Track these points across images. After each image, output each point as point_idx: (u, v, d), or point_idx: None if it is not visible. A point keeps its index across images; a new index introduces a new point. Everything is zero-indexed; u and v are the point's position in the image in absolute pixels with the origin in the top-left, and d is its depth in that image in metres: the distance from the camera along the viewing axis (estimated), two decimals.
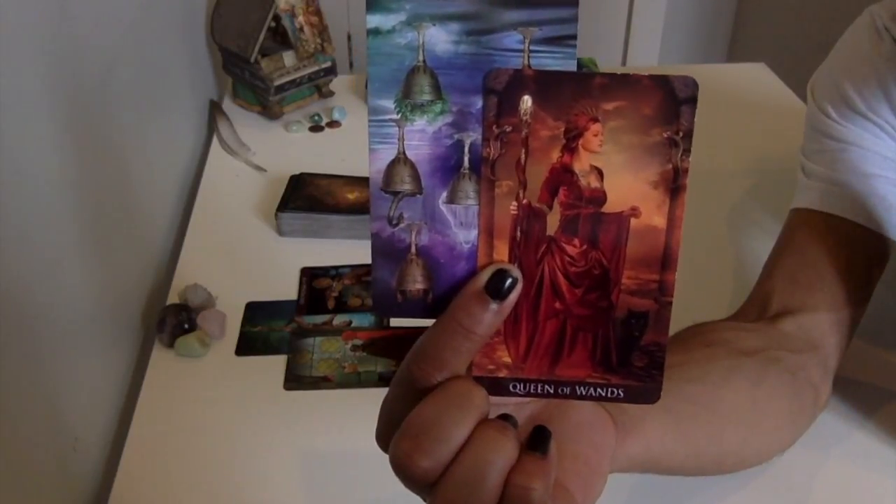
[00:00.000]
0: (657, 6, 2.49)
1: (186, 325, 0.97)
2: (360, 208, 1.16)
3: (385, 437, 0.42)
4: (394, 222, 0.40)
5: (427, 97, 0.38)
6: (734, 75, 1.68)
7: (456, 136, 0.39)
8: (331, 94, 1.54)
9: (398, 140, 0.39)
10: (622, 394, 0.43)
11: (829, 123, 0.84)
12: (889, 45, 0.80)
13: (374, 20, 0.38)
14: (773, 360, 0.73)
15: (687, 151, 0.38)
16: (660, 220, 0.39)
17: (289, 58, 1.45)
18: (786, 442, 0.75)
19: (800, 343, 0.76)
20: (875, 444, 0.84)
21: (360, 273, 1.08)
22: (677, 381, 0.65)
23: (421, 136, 0.39)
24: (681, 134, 0.38)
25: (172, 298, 1.03)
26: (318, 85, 1.52)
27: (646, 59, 2.52)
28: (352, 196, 1.19)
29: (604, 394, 0.43)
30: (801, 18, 2.31)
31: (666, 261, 0.40)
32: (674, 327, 0.72)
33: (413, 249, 0.41)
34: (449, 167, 0.39)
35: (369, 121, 0.39)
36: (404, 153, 0.39)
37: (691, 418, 0.64)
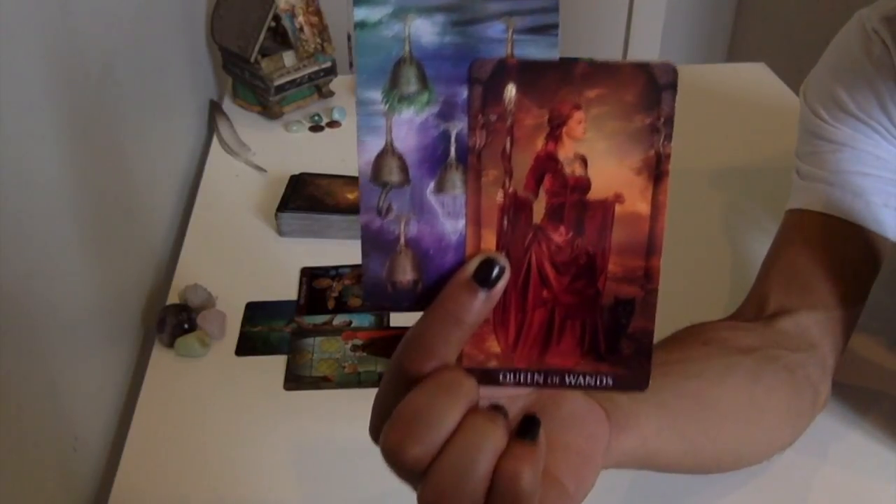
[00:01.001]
0: (657, 6, 2.49)
1: (186, 325, 0.97)
2: None
3: (378, 430, 0.43)
4: (383, 213, 0.40)
5: (414, 88, 0.39)
6: (734, 75, 1.68)
7: (442, 126, 0.39)
8: (331, 94, 1.54)
9: (386, 131, 0.39)
10: (611, 381, 0.43)
11: (821, 125, 0.85)
12: (879, 48, 0.81)
13: (361, 13, 0.38)
14: (771, 359, 0.73)
15: (669, 137, 0.39)
16: (644, 207, 0.40)
17: (289, 58, 1.45)
18: (785, 440, 0.75)
19: (798, 342, 0.76)
20: (874, 444, 0.84)
21: (360, 273, 1.08)
22: (674, 377, 0.65)
23: (408, 126, 0.39)
24: (662, 120, 0.38)
25: (172, 298, 1.03)
26: (318, 85, 1.52)
27: (645, 59, 2.52)
28: (352, 196, 1.19)
29: (593, 382, 0.43)
30: (801, 18, 2.30)
31: (651, 247, 0.40)
32: (672, 327, 0.73)
33: (402, 240, 0.41)
34: (436, 157, 0.40)
35: (358, 112, 0.39)
36: (392, 144, 0.39)
37: (688, 414, 0.64)
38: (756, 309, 0.82)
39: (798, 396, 0.74)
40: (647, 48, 2.52)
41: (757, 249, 0.92)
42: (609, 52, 2.52)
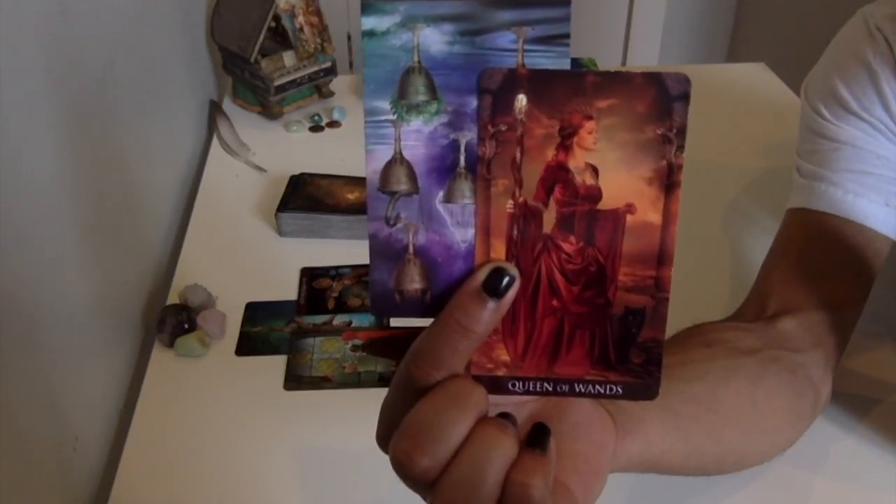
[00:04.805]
0: (657, 6, 2.49)
1: (186, 325, 0.97)
2: (360, 208, 1.16)
3: (385, 438, 0.42)
4: (391, 222, 0.40)
5: (422, 97, 0.39)
6: (734, 75, 1.68)
7: (451, 136, 0.39)
8: (331, 94, 1.54)
9: (394, 140, 0.39)
10: (621, 391, 0.43)
11: (823, 123, 0.84)
12: (882, 45, 0.80)
13: (369, 22, 0.38)
14: (772, 360, 0.73)
15: (681, 148, 0.39)
16: (655, 217, 0.40)
17: (289, 58, 1.45)
18: (787, 441, 0.75)
19: (799, 342, 0.76)
20: (874, 443, 0.84)
21: (360, 273, 1.08)
22: (677, 380, 0.65)
23: (417, 136, 0.39)
24: (674, 130, 0.38)
25: (172, 298, 1.03)
26: (318, 85, 1.52)
27: (646, 59, 2.52)
28: (352, 196, 1.19)
29: (602, 391, 0.43)
30: (801, 18, 2.30)
31: (662, 257, 0.40)
32: (673, 328, 0.72)
33: (410, 249, 0.41)
34: (445, 167, 0.40)
35: (365, 122, 0.39)
36: (401, 153, 0.39)
37: (692, 417, 0.64)
38: (757, 309, 0.81)
39: (800, 398, 0.74)
40: (647, 48, 2.52)
41: (757, 249, 0.92)
42: (609, 51, 2.52)
